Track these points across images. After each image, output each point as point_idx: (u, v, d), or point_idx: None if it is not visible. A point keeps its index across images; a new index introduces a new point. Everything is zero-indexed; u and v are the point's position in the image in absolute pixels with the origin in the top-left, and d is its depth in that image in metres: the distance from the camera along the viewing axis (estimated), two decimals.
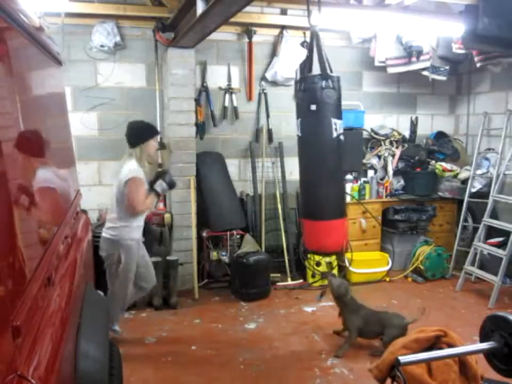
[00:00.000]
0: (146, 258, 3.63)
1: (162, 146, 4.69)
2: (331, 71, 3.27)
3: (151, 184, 3.45)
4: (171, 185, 3.41)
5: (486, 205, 4.88)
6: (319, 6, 3.20)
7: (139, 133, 3.41)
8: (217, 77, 5.04)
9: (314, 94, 3.21)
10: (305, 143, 3.34)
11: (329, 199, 3.35)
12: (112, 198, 3.46)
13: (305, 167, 3.44)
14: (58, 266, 1.73)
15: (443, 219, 5.54)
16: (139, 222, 3.45)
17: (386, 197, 5.35)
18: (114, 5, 4.39)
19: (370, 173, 5.42)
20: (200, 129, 4.88)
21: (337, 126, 3.24)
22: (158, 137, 3.41)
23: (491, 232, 4.85)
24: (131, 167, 3.32)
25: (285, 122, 5.32)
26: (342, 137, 3.31)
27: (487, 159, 5.33)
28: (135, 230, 3.41)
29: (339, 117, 3.28)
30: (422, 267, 5.09)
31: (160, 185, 3.31)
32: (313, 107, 3.19)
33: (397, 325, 3.36)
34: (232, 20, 3.59)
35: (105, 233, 3.43)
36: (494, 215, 4.96)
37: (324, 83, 3.19)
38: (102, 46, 4.56)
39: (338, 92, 3.26)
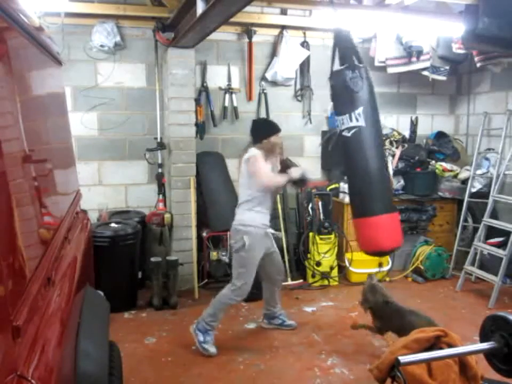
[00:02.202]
0: (275, 250, 3.73)
1: (162, 146, 4.70)
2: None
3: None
4: (301, 179, 3.46)
5: (486, 205, 4.88)
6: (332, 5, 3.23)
7: (261, 130, 3.55)
8: (217, 77, 5.04)
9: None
10: (364, 138, 3.27)
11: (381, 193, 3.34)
12: (238, 188, 3.65)
13: (361, 160, 3.33)
14: (58, 266, 1.73)
15: (443, 219, 5.53)
16: (262, 209, 3.47)
17: None
18: (114, 5, 4.39)
19: None
20: (200, 129, 4.88)
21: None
22: (279, 134, 3.55)
23: (491, 232, 4.85)
24: (251, 152, 3.43)
25: (285, 122, 5.30)
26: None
27: (487, 159, 5.33)
28: (258, 216, 3.45)
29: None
30: (422, 267, 5.08)
31: (294, 171, 3.44)
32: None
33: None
34: (232, 20, 3.59)
35: (233, 223, 3.54)
36: (494, 215, 4.95)
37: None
38: (102, 46, 4.56)
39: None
